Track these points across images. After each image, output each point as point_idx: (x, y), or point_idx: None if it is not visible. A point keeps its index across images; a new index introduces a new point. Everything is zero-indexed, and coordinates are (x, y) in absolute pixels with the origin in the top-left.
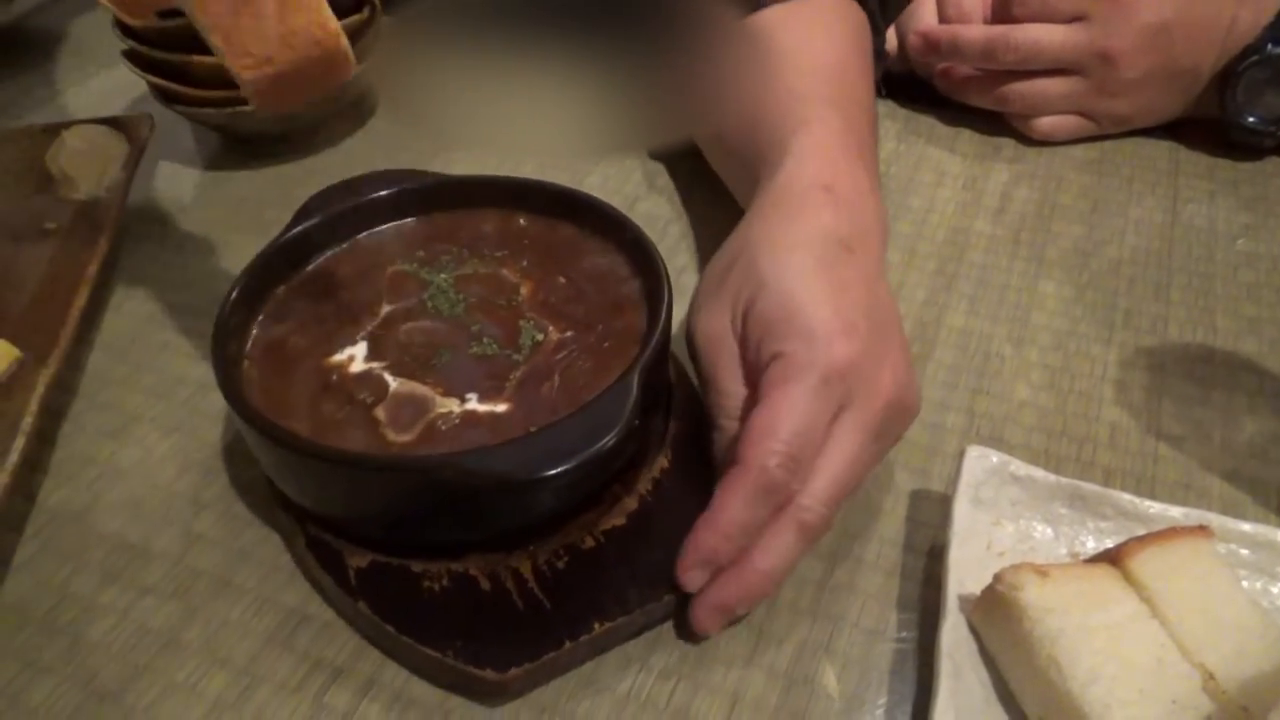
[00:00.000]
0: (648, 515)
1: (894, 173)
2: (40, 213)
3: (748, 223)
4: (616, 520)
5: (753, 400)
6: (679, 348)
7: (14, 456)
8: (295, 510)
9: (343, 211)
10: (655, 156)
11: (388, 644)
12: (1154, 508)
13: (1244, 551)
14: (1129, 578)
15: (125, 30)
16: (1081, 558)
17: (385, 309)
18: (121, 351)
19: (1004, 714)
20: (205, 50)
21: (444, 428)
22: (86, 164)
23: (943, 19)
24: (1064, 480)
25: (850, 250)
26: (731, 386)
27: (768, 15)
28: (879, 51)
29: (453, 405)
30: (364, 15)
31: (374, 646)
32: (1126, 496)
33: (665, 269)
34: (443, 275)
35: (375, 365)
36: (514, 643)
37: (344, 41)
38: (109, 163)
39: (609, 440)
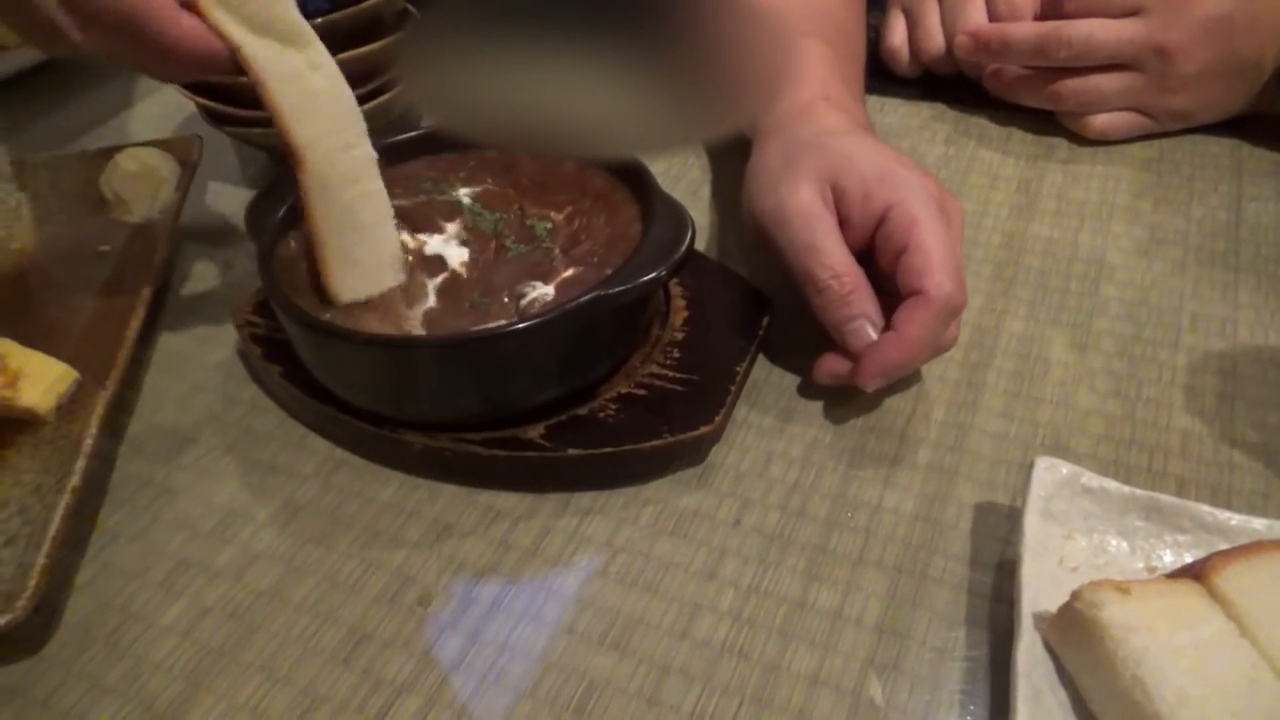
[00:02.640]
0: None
1: (944, 176)
2: (95, 235)
3: (771, 133)
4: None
5: (852, 255)
6: None
7: (75, 478)
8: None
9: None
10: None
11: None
12: (1235, 520)
13: None
14: (1215, 594)
15: None
16: (1159, 573)
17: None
18: (177, 370)
19: None
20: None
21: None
22: (139, 186)
23: (993, 16)
24: (1139, 492)
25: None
26: (836, 248)
27: None
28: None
29: (529, 291)
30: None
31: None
32: (1205, 508)
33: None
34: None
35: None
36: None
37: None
38: (161, 184)
39: (690, 234)
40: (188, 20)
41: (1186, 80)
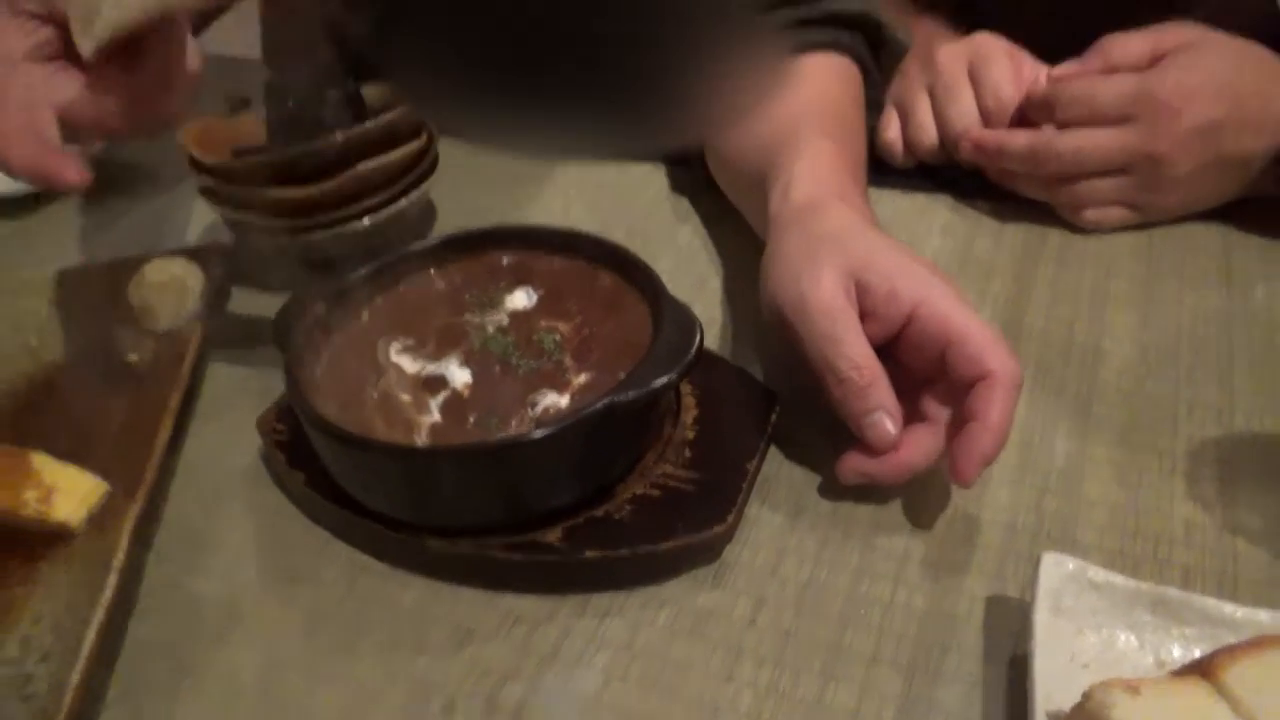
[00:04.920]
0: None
1: (942, 266)
2: (123, 345)
3: (788, 225)
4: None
5: (873, 348)
6: None
7: (108, 593)
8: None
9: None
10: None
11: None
12: (1240, 612)
13: None
14: (1223, 691)
15: (200, 167)
16: (1169, 668)
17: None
18: (202, 475)
19: None
20: (279, 183)
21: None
22: (166, 296)
23: (981, 110)
24: (1144, 586)
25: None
26: (857, 341)
27: None
28: (874, 101)
29: (541, 400)
30: (423, 141)
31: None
32: (1211, 601)
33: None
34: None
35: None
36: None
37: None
38: (187, 294)
39: (699, 337)
40: None
41: (1177, 182)
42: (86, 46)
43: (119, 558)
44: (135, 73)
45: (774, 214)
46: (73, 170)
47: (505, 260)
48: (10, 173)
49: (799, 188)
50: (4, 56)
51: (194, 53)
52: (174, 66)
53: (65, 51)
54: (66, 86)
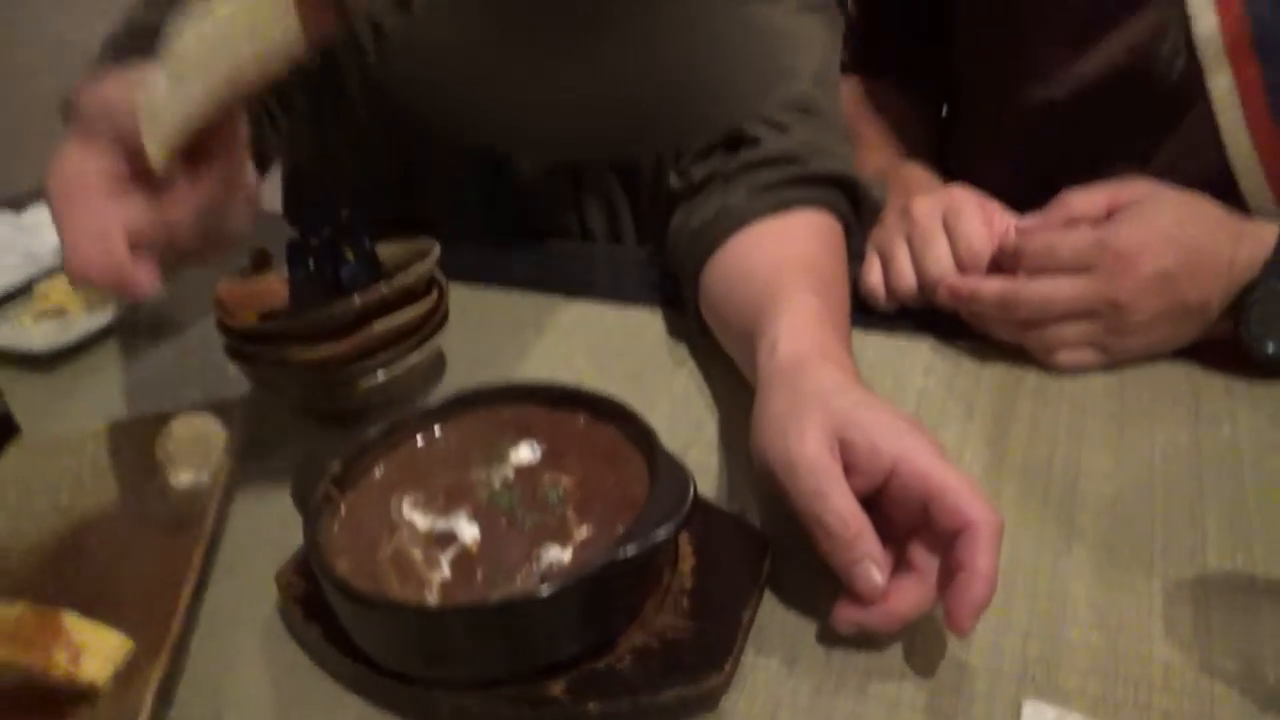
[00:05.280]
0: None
1: (925, 408)
2: (148, 500)
3: (773, 383)
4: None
5: (858, 501)
6: None
7: None
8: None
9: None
10: None
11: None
12: None
13: None
14: None
15: (228, 330)
16: None
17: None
18: (221, 627)
19: None
20: (300, 343)
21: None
22: (191, 451)
23: (956, 258)
24: None
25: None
26: (842, 495)
27: (754, 228)
28: (856, 251)
29: (545, 554)
30: (434, 298)
31: None
32: None
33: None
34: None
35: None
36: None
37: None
38: (211, 449)
39: (693, 491)
40: None
41: (1140, 326)
42: (156, 150)
43: (142, 717)
44: (202, 183)
45: (761, 371)
46: (146, 276)
47: (510, 415)
48: (89, 284)
49: (784, 345)
50: (77, 183)
51: (250, 169)
52: (237, 173)
53: (135, 176)
54: (138, 209)
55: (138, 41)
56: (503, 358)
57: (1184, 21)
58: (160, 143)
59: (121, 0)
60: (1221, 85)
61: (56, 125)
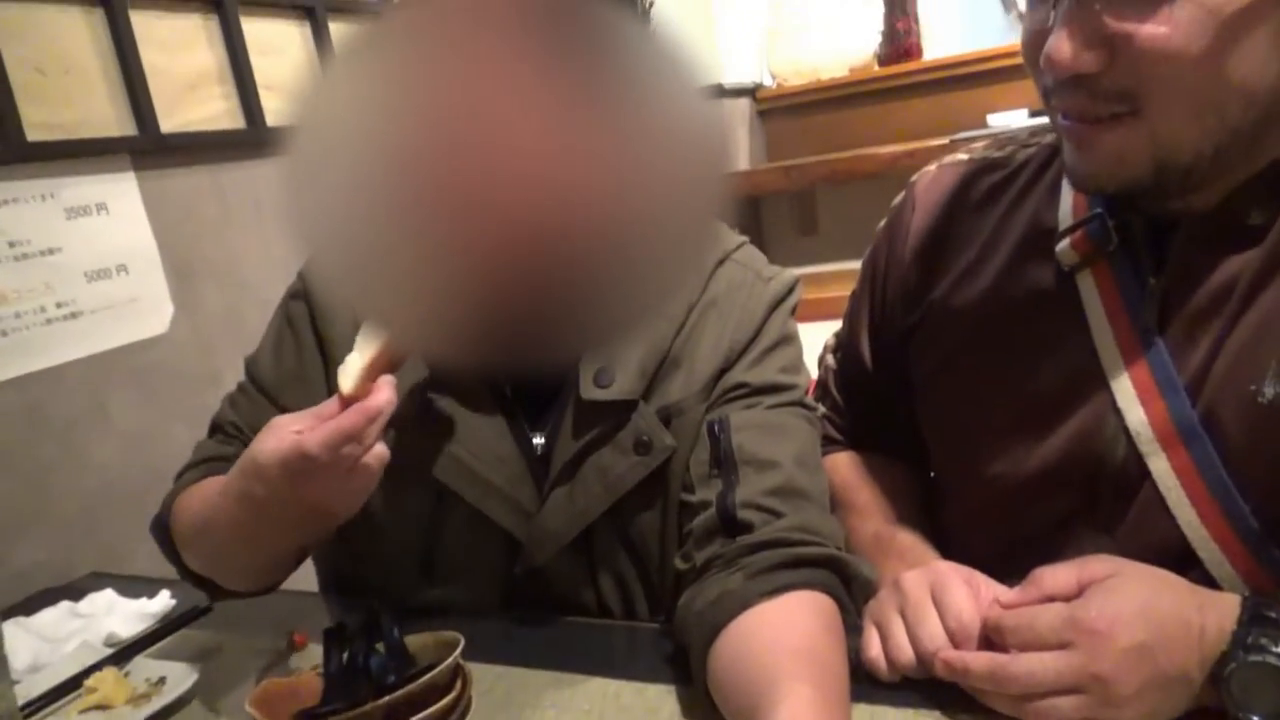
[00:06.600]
0: None
1: None
2: None
3: None
4: None
5: None
6: None
7: None
8: None
9: None
10: None
11: None
12: None
13: None
14: None
15: None
16: None
17: None
18: None
19: None
20: None
21: None
22: None
23: (946, 630)
24: None
25: None
26: None
27: (753, 612)
28: (852, 625)
29: None
30: (457, 691)
31: None
32: None
33: None
34: None
35: None
36: None
37: None
38: None
39: None
40: None
41: (1129, 699)
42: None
43: None
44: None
45: None
46: (385, 393)
47: None
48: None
49: None
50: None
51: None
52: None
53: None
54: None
55: (213, 467)
56: None
57: (1119, 413)
58: (349, 379)
59: (187, 397)
60: (1161, 468)
61: (118, 515)
